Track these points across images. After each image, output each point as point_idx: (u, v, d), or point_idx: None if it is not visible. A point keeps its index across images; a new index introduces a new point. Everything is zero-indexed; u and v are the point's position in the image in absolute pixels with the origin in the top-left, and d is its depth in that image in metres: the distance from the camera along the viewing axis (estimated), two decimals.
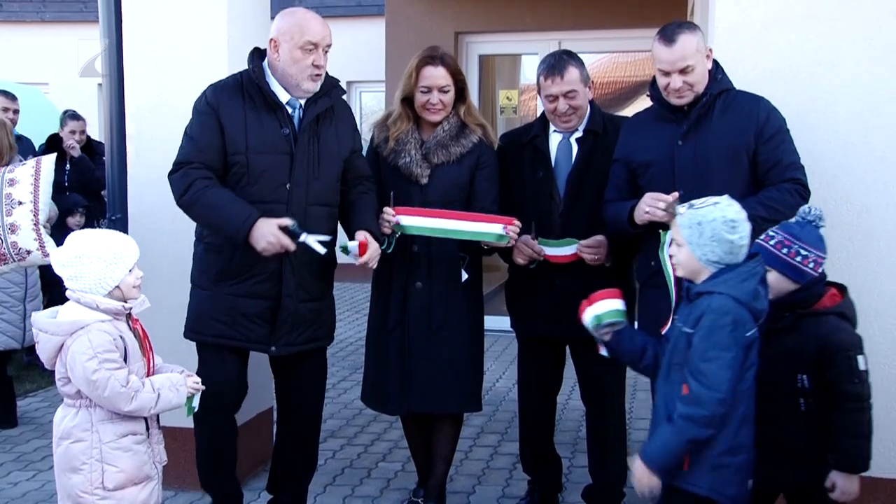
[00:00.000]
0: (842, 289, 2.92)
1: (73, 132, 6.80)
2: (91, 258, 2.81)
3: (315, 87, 3.44)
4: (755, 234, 2.92)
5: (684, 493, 2.73)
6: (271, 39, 3.43)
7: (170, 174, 3.43)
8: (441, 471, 4.00)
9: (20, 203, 3.87)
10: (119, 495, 2.85)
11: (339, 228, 3.63)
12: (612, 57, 8.82)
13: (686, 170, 3.26)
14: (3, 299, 5.24)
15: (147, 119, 4.25)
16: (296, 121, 3.47)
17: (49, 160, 4.07)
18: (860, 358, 2.77)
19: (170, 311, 3.98)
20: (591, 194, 3.69)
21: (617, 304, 3.05)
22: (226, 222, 3.32)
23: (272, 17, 4.62)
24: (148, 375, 2.93)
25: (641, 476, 2.69)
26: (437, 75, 3.75)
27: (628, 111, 8.68)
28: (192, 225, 3.98)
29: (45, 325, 2.85)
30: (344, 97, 3.68)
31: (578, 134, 3.80)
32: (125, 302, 2.88)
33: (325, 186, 3.51)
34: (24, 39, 11.69)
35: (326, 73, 3.51)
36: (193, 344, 3.57)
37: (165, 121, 4.21)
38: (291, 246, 3.26)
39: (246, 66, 3.52)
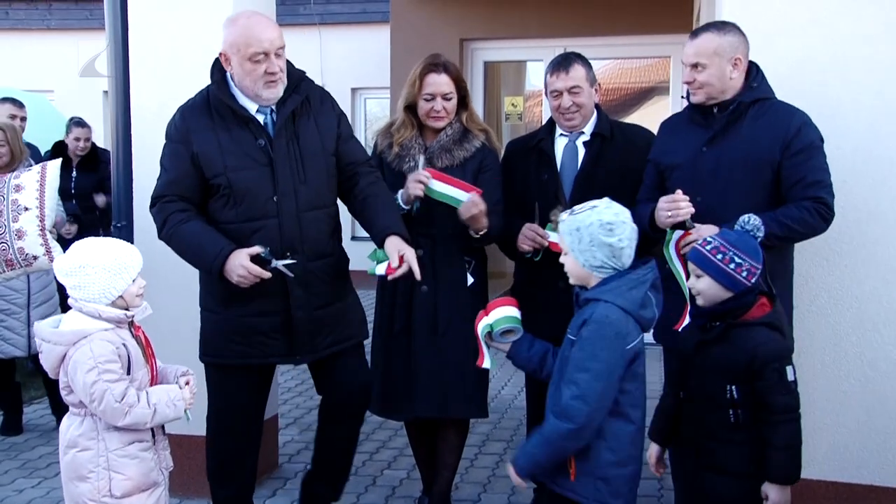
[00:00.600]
0: (772, 298, 2.88)
1: (77, 139, 6.81)
2: (95, 268, 2.79)
3: (276, 93, 3.30)
4: (765, 250, 2.91)
5: (569, 502, 2.74)
6: (221, 53, 3.30)
7: (150, 208, 3.39)
8: (446, 478, 3.99)
9: (26, 209, 3.87)
10: (126, 503, 2.84)
11: (351, 231, 3.60)
12: (617, 63, 8.82)
13: (707, 176, 3.23)
14: (4, 307, 5.16)
15: (152, 126, 4.23)
16: (270, 127, 3.34)
17: (54, 165, 4.06)
18: (789, 368, 2.74)
19: (173, 318, 3.97)
20: (597, 197, 3.67)
21: (510, 311, 3.01)
22: (199, 259, 3.29)
23: (278, 24, 4.65)
24: (152, 382, 2.92)
25: (513, 477, 2.78)
26: (440, 83, 3.75)
27: (633, 118, 8.69)
28: None
29: (48, 334, 2.83)
30: (318, 85, 3.53)
31: (585, 137, 3.80)
32: (127, 310, 2.87)
33: (315, 189, 3.38)
34: (29, 47, 11.71)
35: (291, 68, 3.38)
36: (197, 349, 3.54)
37: None
38: (265, 274, 3.17)
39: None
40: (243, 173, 3.28)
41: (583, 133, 3.81)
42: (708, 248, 2.82)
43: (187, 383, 2.96)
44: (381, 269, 3.28)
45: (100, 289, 2.80)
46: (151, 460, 2.91)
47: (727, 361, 2.76)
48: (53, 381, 5.44)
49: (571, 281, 2.83)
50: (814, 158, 3.18)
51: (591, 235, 2.69)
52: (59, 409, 5.51)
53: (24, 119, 6.38)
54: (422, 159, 3.68)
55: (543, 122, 4.05)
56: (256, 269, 3.15)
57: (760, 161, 3.19)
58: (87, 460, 2.82)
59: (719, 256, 2.79)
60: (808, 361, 3.47)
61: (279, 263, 3.22)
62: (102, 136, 8.51)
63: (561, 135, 3.85)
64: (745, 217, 2.89)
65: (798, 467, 2.76)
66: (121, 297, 2.84)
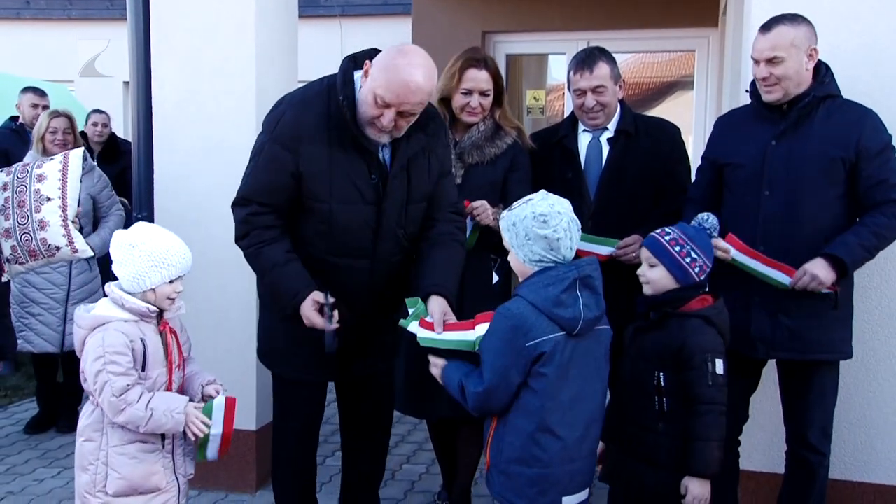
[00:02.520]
0: (716, 296, 2.90)
1: (95, 124, 6.82)
2: (141, 251, 2.73)
3: (379, 139, 3.00)
4: (859, 263, 3.06)
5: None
6: (367, 63, 2.96)
7: (233, 204, 3.10)
8: (467, 474, 3.98)
9: (48, 199, 3.83)
10: (120, 502, 2.79)
11: None
12: (640, 57, 8.74)
13: (777, 171, 3.18)
14: (42, 300, 5.08)
15: (173, 118, 4.24)
16: (387, 161, 3.08)
17: (77, 154, 4.01)
18: (718, 362, 2.76)
19: (192, 312, 3.95)
20: (623, 195, 3.64)
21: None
22: (273, 293, 3.12)
23: (300, 17, 4.63)
24: (170, 384, 2.84)
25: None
26: (479, 78, 3.67)
27: (657, 111, 8.61)
28: (219, 225, 3.96)
29: (77, 317, 2.81)
30: (437, 113, 3.30)
31: (609, 134, 3.75)
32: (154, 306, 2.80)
33: (409, 234, 3.20)
34: (50, 37, 11.74)
35: (429, 104, 3.11)
36: (218, 343, 3.52)
37: (192, 120, 4.21)
38: (328, 327, 2.95)
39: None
40: (349, 207, 3.03)
41: (606, 129, 3.76)
42: (667, 238, 2.88)
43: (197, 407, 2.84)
44: (414, 328, 2.95)
45: (135, 273, 2.74)
46: (156, 464, 2.83)
47: (659, 348, 2.80)
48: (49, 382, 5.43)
49: (521, 280, 2.75)
50: (892, 160, 3.15)
51: (527, 229, 2.62)
52: (45, 400, 5.48)
53: (46, 108, 6.38)
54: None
55: (565, 116, 3.98)
56: (319, 322, 2.96)
57: (834, 158, 3.13)
58: (89, 452, 2.80)
59: (677, 248, 2.85)
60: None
61: (330, 324, 2.96)
62: (123, 128, 8.53)
63: (584, 131, 3.80)
64: (704, 214, 2.98)
65: (717, 461, 2.75)
66: (152, 291, 2.77)
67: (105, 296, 2.84)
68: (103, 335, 2.72)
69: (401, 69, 2.85)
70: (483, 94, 3.68)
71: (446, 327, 2.92)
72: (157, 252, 2.75)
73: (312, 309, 2.97)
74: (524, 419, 2.62)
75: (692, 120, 7.42)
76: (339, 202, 3.02)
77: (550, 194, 2.71)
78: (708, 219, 2.97)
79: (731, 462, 3.44)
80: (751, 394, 3.43)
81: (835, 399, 3.31)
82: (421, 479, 4.58)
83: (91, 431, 2.81)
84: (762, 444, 3.69)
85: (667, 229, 2.92)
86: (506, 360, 2.58)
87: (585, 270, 2.62)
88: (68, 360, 5.34)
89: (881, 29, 3.49)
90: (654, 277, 2.88)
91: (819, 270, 3.05)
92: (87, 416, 2.84)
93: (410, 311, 2.97)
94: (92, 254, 3.99)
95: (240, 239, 3.09)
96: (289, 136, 2.97)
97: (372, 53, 3.05)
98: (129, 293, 2.77)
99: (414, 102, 2.90)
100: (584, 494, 2.75)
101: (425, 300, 3.02)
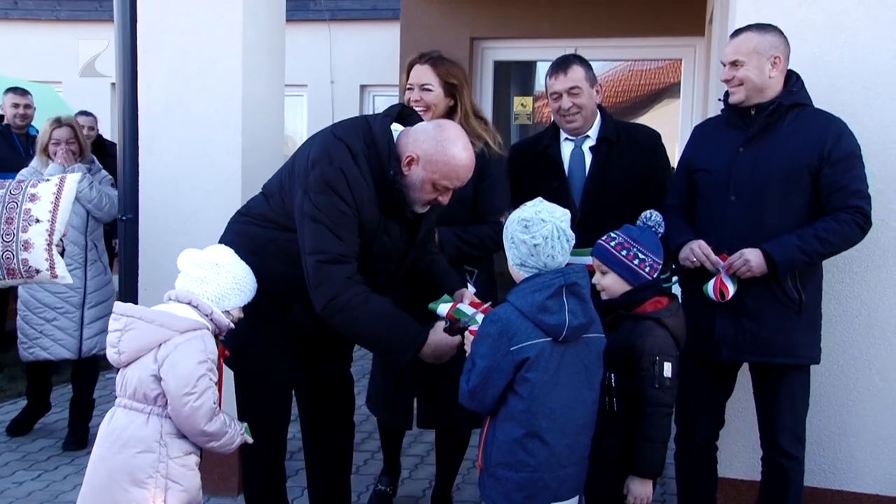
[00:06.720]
0: (672, 298, 2.95)
1: (81, 127, 6.78)
2: (227, 272, 2.82)
3: (422, 211, 3.10)
4: (805, 267, 3.06)
5: None
6: (409, 155, 2.95)
7: (325, 262, 2.93)
8: (448, 480, 3.99)
9: (37, 221, 3.77)
10: None
11: None
12: (628, 65, 8.77)
13: (743, 178, 3.22)
14: (57, 304, 4.91)
15: (160, 119, 4.23)
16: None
17: (73, 179, 3.93)
18: (667, 364, 2.80)
19: None
20: (608, 202, 3.65)
21: None
22: (395, 333, 2.99)
23: (289, 21, 4.64)
24: (220, 403, 2.80)
25: None
26: (419, 72, 3.65)
27: (644, 119, 8.65)
28: (204, 227, 3.96)
29: (153, 315, 2.70)
30: None
31: (591, 142, 3.77)
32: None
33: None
34: (37, 38, 11.70)
35: None
36: None
37: (178, 121, 4.20)
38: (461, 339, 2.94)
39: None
40: (381, 266, 3.15)
41: (588, 137, 3.78)
42: (612, 244, 2.92)
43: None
44: (442, 310, 3.03)
45: (220, 292, 2.80)
46: (198, 476, 2.81)
47: (610, 349, 2.80)
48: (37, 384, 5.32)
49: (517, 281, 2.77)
50: (854, 168, 3.18)
51: (512, 233, 2.66)
52: (34, 401, 5.37)
53: (28, 107, 6.37)
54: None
55: (549, 124, 3.99)
56: (452, 341, 2.96)
57: (798, 165, 3.17)
58: (147, 464, 2.65)
59: (624, 252, 2.89)
60: (817, 369, 3.44)
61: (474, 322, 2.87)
62: (110, 129, 8.51)
63: (566, 139, 3.81)
64: (647, 213, 3.01)
65: (660, 463, 2.81)
66: (228, 312, 2.85)
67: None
68: (204, 340, 2.69)
69: (456, 156, 2.93)
70: (423, 87, 3.62)
71: (471, 303, 3.04)
72: (240, 276, 2.85)
73: (450, 339, 2.96)
74: (512, 424, 2.63)
75: (679, 128, 7.46)
76: (377, 262, 3.11)
77: (545, 203, 2.71)
78: (651, 216, 3.01)
79: (708, 467, 3.46)
80: (725, 399, 3.45)
81: (806, 404, 3.33)
82: (403, 483, 4.54)
83: (151, 442, 2.66)
84: (742, 451, 3.70)
85: (612, 234, 2.96)
86: (490, 363, 2.58)
87: (572, 278, 2.61)
88: (80, 371, 5.12)
89: (864, 39, 3.52)
90: (608, 284, 2.93)
91: (752, 257, 3.11)
92: (139, 425, 2.67)
93: (439, 307, 3.04)
94: (70, 281, 3.94)
95: (339, 295, 2.93)
96: (353, 199, 2.96)
97: (399, 114, 3.11)
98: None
99: (469, 178, 3.03)
100: (573, 501, 2.75)
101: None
